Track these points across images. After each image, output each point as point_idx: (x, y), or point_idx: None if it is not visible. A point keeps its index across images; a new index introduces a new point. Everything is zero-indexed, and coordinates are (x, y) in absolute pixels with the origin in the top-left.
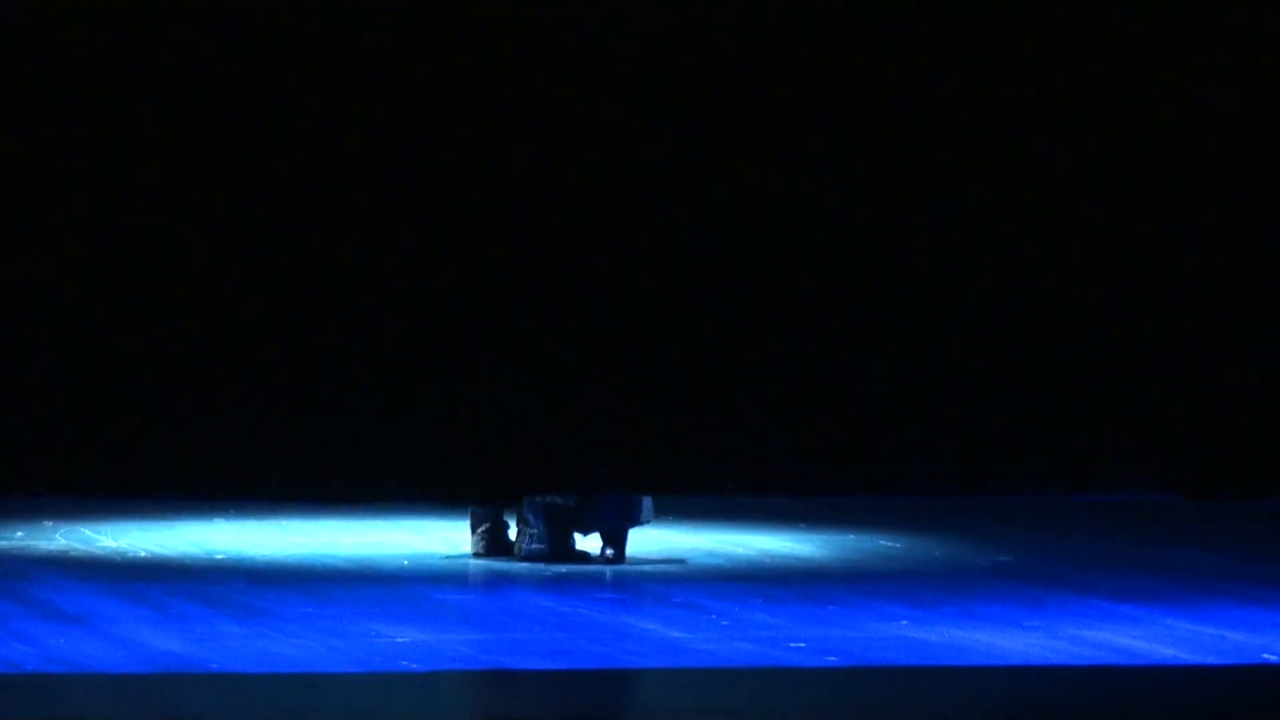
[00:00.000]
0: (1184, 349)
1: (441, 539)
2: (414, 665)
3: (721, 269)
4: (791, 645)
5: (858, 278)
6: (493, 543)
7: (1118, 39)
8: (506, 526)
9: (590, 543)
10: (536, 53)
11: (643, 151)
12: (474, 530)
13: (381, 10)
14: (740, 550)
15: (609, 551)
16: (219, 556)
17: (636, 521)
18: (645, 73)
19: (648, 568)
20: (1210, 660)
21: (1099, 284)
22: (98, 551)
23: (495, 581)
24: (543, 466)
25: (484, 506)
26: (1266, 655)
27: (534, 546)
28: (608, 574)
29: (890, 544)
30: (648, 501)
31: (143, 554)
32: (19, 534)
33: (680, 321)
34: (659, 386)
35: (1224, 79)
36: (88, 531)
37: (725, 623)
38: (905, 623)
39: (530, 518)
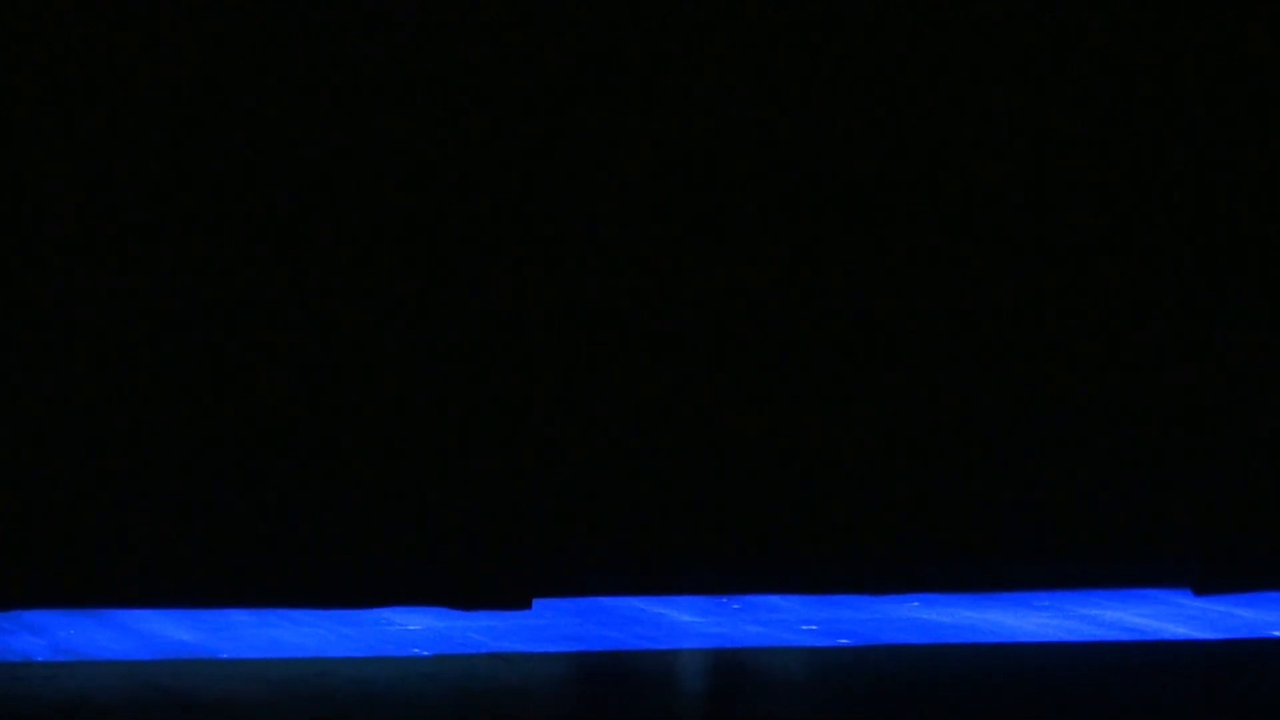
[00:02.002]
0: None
1: None
2: (424, 651)
3: None
4: (803, 628)
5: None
6: None
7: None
8: None
9: None
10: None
11: None
12: None
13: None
14: None
15: None
16: None
17: None
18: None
19: None
20: (1219, 636)
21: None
22: None
23: None
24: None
25: None
26: (1275, 632)
27: None
28: None
29: None
30: None
31: None
32: None
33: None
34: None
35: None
36: None
37: (736, 606)
38: (916, 604)
39: None
